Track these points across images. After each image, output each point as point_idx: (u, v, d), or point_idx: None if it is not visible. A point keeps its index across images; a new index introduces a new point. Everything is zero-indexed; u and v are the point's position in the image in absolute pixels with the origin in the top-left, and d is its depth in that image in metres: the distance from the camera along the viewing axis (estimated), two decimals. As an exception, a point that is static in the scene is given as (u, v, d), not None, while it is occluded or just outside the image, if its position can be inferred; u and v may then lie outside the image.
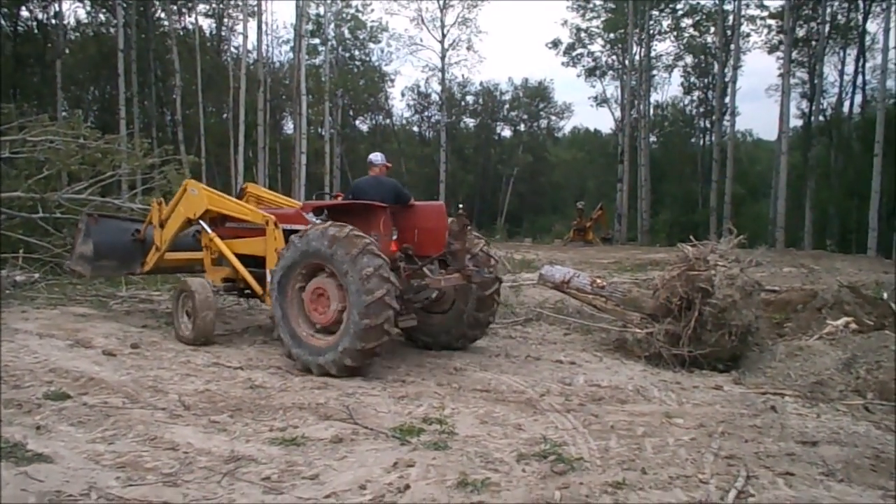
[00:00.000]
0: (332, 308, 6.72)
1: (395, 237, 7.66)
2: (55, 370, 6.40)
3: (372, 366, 6.81)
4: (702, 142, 47.58)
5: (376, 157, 8.23)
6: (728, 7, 36.36)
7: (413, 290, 7.27)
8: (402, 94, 60.62)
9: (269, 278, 7.42)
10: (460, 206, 7.89)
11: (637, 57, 40.50)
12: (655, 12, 41.21)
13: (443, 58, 43.20)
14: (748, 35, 39.12)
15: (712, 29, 39.75)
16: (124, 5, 31.42)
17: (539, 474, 4.19)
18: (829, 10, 34.69)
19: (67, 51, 36.22)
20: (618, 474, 4.19)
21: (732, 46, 35.03)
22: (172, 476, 4.08)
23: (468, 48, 53.38)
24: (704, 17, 40.68)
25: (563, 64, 48.64)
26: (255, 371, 6.74)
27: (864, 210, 28.31)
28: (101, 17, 38.93)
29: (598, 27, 44.11)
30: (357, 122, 52.36)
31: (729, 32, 36.34)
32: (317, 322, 6.90)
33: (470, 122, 54.07)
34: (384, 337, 6.56)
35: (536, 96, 53.61)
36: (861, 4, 35.35)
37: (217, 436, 4.82)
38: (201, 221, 8.44)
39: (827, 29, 34.94)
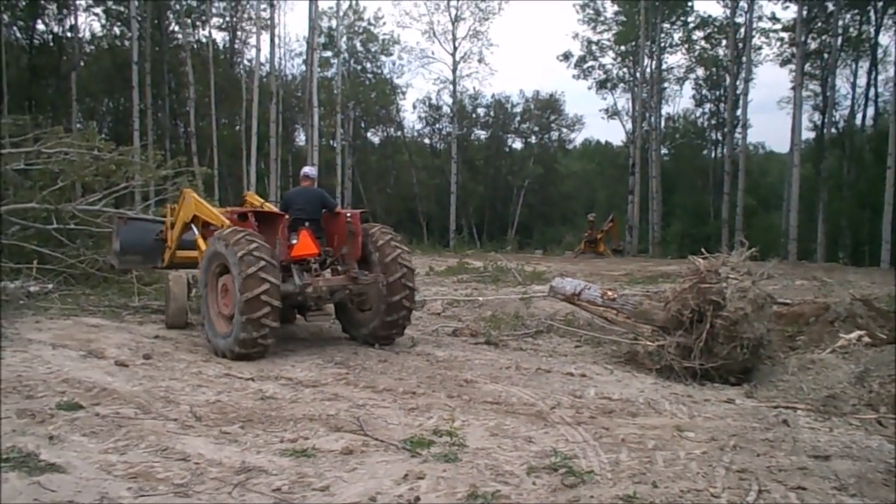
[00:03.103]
0: (233, 301, 7.66)
1: (294, 241, 8.31)
2: (68, 380, 6.47)
3: (264, 353, 7.68)
4: (713, 154, 47.30)
5: (310, 170, 9.49)
6: (740, 20, 36.30)
7: (300, 287, 8.07)
8: (414, 107, 60.80)
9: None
10: (348, 215, 8.71)
11: (648, 69, 40.37)
12: (667, 25, 41.16)
13: (454, 70, 43.24)
14: (760, 48, 39.04)
15: (724, 41, 39.64)
16: (139, 19, 31.78)
17: (549, 487, 4.18)
18: (840, 22, 34.52)
19: (82, 63, 36.69)
20: (628, 488, 4.17)
21: (744, 59, 34.94)
22: (184, 487, 4.10)
23: (479, 61, 52.58)
24: (716, 29, 40.59)
25: (574, 76, 48.40)
26: (266, 382, 6.77)
27: (877, 222, 28.08)
28: (116, 30, 39.41)
29: (609, 40, 44.04)
30: (368, 134, 52.51)
31: (740, 45, 36.25)
32: (224, 313, 7.94)
33: (481, 133, 54.01)
34: (263, 329, 7.44)
35: (547, 108, 53.46)
36: (873, 17, 35.25)
37: (228, 447, 4.84)
38: (192, 225, 9.62)
39: (839, 41, 34.76)
